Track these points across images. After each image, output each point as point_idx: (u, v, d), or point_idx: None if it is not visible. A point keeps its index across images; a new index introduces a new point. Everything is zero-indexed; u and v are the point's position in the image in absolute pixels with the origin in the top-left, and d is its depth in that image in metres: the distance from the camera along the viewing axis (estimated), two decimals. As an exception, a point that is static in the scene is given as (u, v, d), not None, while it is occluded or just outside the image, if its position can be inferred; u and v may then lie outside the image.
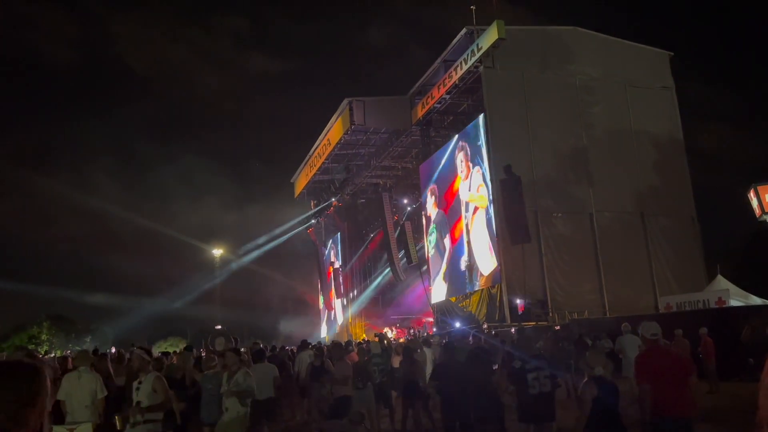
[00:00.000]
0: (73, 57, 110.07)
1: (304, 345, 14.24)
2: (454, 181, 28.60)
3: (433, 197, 31.19)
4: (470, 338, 18.96)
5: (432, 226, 31.52)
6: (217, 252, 48.23)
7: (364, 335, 33.13)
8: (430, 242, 31.91)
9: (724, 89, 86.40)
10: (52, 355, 30.40)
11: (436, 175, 30.70)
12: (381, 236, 36.53)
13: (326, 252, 45.84)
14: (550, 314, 23.56)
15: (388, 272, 36.81)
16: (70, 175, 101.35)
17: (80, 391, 7.57)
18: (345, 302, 41.90)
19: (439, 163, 30.21)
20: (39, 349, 49.41)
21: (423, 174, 32.42)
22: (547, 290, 24.51)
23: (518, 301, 24.33)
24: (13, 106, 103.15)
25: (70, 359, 13.84)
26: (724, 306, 17.73)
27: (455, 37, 27.99)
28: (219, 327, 41.11)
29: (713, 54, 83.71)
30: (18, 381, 1.96)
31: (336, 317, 44.15)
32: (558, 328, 20.02)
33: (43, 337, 53.82)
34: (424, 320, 33.85)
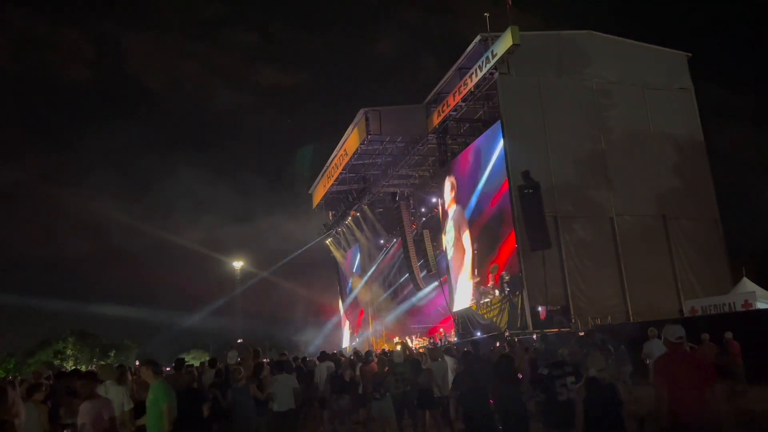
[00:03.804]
0: (88, 75, 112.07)
1: (323, 356, 14.22)
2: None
3: (453, 191, 30.57)
4: (497, 344, 18.84)
5: (450, 223, 30.88)
6: (238, 264, 48.52)
7: (386, 345, 33.03)
8: (448, 241, 31.24)
9: (745, 89, 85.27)
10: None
11: (456, 169, 30.40)
12: (400, 245, 36.50)
13: (348, 263, 45.85)
14: (573, 320, 23.30)
15: (408, 281, 36.74)
16: (91, 190, 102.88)
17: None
18: (365, 313, 41.88)
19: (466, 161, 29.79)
20: (65, 364, 50.09)
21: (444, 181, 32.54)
22: (569, 296, 24.25)
23: (540, 308, 24.12)
24: (34, 124, 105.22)
25: (97, 373, 13.96)
26: (750, 309, 17.40)
27: (468, 44, 27.98)
28: (240, 341, 41.30)
29: (733, 54, 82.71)
30: None
31: (355, 328, 44.13)
32: (582, 334, 19.77)
33: (69, 352, 54.53)
34: (441, 329, 33.64)
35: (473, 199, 28.31)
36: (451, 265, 30.81)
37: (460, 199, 29.68)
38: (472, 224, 28.56)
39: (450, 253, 30.93)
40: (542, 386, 6.99)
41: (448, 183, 30.85)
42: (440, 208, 32.18)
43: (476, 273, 28.13)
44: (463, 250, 29.27)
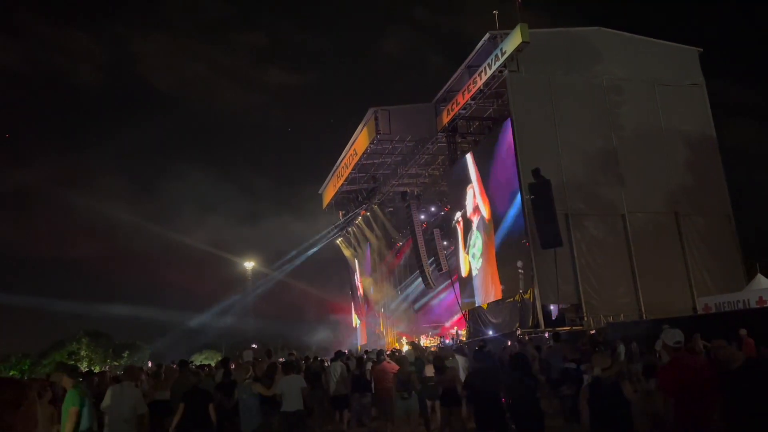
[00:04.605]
0: (98, 78, 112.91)
1: (338, 355, 14.24)
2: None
3: (474, 197, 29.45)
4: (509, 343, 18.79)
5: (475, 233, 29.44)
6: (249, 265, 48.70)
7: (396, 344, 33.04)
8: (473, 256, 29.56)
9: (757, 84, 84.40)
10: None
11: (473, 172, 29.35)
12: (410, 244, 36.47)
13: (359, 262, 45.89)
14: (585, 318, 23.20)
15: (418, 280, 36.71)
16: (102, 192, 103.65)
17: (121, 405, 7.73)
18: (377, 313, 41.92)
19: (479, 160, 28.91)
20: (79, 365, 50.44)
21: (454, 180, 32.08)
22: (581, 294, 24.13)
23: (552, 306, 24.02)
24: (46, 127, 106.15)
25: (108, 374, 14.10)
26: (765, 305, 17.26)
27: (476, 43, 27.92)
28: (254, 346, 41.43)
29: (745, 49, 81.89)
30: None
31: (367, 327, 44.16)
32: (593, 332, 19.69)
33: (83, 353, 54.94)
34: (454, 328, 33.60)
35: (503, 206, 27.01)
36: (480, 279, 29.17)
37: (486, 207, 28.50)
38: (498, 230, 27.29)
39: (478, 263, 29.44)
40: (572, 381, 7.00)
41: (470, 192, 29.91)
42: (461, 219, 30.97)
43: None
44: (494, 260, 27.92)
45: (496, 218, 27.28)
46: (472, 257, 29.69)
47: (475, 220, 29.50)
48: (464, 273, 30.71)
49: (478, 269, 29.20)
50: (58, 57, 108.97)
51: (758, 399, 4.87)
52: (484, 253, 28.53)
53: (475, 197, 29.39)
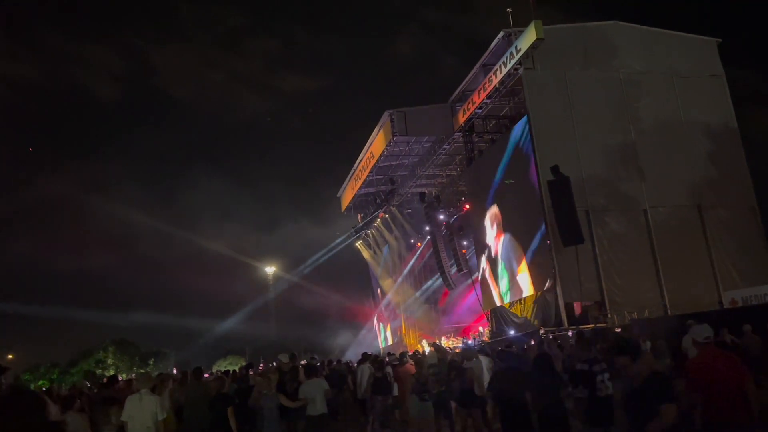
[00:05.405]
0: (117, 89, 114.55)
1: (364, 357, 14.22)
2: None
3: (495, 225, 28.93)
4: (532, 342, 18.64)
5: (501, 266, 28.58)
6: (270, 270, 49.00)
7: (419, 346, 32.98)
8: (502, 288, 28.77)
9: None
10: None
11: (492, 192, 28.79)
12: (429, 245, 36.41)
13: (379, 264, 45.92)
14: (609, 315, 22.95)
15: (439, 281, 36.63)
16: (123, 202, 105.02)
17: (141, 414, 7.82)
18: (398, 314, 41.90)
19: (495, 176, 28.38)
20: (105, 373, 51.13)
21: (473, 185, 31.71)
22: (604, 291, 23.90)
23: (575, 303, 23.81)
24: (66, 139, 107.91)
25: (134, 382, 14.25)
26: (794, 298, 16.93)
27: (491, 41, 27.80)
28: (282, 354, 41.58)
29: (765, 37, 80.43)
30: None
31: (389, 329, 44.16)
32: (619, 330, 19.45)
33: (109, 361, 55.71)
34: (478, 328, 33.46)
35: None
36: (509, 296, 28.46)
37: (508, 228, 27.92)
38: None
39: (506, 291, 28.56)
40: (585, 382, 6.91)
41: (489, 220, 29.39)
42: (488, 262, 30.10)
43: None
44: (516, 279, 27.39)
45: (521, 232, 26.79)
46: (503, 293, 28.85)
47: (500, 249, 28.71)
48: (498, 303, 29.57)
49: (508, 300, 28.47)
50: (78, 70, 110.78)
51: None
52: (512, 287, 27.93)
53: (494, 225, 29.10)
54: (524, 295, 26.69)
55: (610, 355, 6.97)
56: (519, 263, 26.94)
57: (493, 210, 29.03)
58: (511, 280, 27.92)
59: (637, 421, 4.81)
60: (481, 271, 31.14)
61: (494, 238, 29.17)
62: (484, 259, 30.64)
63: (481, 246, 31.05)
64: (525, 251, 26.40)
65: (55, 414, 7.26)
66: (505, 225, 28.10)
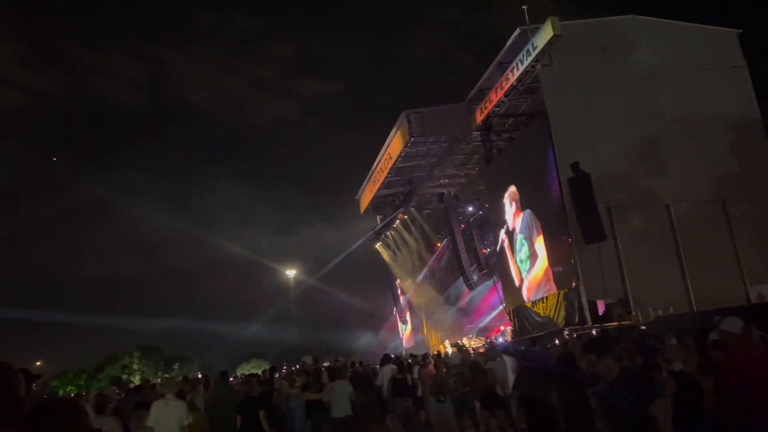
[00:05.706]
0: (137, 97, 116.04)
1: (386, 359, 14.23)
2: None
3: (514, 203, 28.97)
4: (556, 341, 18.56)
5: (519, 238, 28.59)
6: (291, 273, 49.24)
7: (441, 346, 32.93)
8: (521, 261, 28.66)
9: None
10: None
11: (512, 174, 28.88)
12: (449, 246, 36.35)
13: (399, 266, 45.95)
14: (633, 313, 22.71)
15: (460, 281, 36.54)
16: (145, 209, 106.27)
17: (168, 419, 7.90)
18: (419, 315, 41.87)
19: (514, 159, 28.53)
20: (132, 378, 51.83)
21: (491, 178, 31.63)
22: (628, 288, 23.61)
23: (598, 302, 23.59)
24: (88, 149, 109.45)
25: (159, 387, 14.42)
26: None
27: (506, 39, 27.65)
28: (306, 357, 41.80)
29: (786, 26, 78.79)
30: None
31: (410, 330, 44.14)
32: (644, 328, 19.24)
33: (135, 366, 56.46)
34: (501, 328, 33.31)
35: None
36: (528, 280, 28.43)
37: (527, 202, 27.95)
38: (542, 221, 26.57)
39: (525, 267, 28.50)
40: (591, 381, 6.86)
41: (508, 198, 29.33)
42: (506, 236, 30.00)
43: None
44: (537, 255, 27.18)
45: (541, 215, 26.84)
46: (520, 262, 28.93)
47: (518, 224, 28.79)
48: (517, 283, 29.41)
49: (526, 271, 28.51)
50: (98, 79, 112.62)
51: None
52: (531, 255, 27.91)
53: (512, 203, 29.04)
54: (539, 263, 26.73)
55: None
56: (538, 234, 26.87)
57: (512, 189, 28.97)
58: (530, 248, 27.76)
59: (617, 415, 4.79)
60: (499, 243, 31.06)
61: (512, 215, 29.16)
62: (502, 232, 30.56)
63: (500, 223, 30.93)
64: (543, 227, 26.48)
65: (93, 419, 7.39)
66: (524, 203, 28.15)
